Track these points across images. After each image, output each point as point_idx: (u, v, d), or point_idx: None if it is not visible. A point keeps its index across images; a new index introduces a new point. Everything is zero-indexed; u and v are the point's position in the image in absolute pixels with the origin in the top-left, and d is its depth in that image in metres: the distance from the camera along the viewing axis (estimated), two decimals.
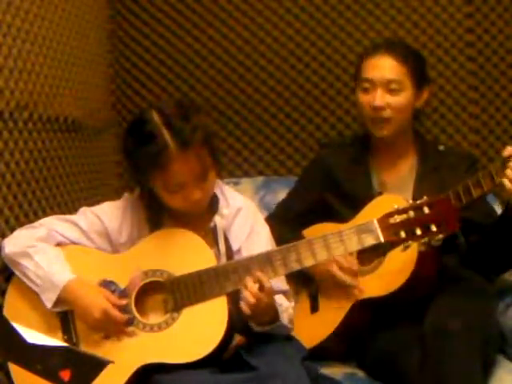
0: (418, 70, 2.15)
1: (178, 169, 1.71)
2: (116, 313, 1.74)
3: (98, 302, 1.75)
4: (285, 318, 1.81)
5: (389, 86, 2.10)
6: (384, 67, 2.11)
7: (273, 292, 1.75)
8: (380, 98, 2.09)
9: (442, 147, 2.24)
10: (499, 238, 2.01)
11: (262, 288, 1.70)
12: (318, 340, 2.07)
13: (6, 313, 1.80)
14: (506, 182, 1.81)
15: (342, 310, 2.06)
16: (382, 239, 1.72)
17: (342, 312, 2.06)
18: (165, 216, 1.86)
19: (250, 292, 1.69)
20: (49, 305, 1.77)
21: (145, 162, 1.73)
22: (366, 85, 2.13)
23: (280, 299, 1.85)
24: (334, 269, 2.05)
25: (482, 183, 1.87)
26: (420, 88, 2.15)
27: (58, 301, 1.77)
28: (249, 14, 2.84)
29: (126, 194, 1.92)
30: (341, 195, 2.23)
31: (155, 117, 1.74)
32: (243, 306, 1.70)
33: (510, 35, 2.71)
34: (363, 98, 2.15)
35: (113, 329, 1.76)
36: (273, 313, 1.77)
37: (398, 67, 2.10)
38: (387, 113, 2.11)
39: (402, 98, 2.11)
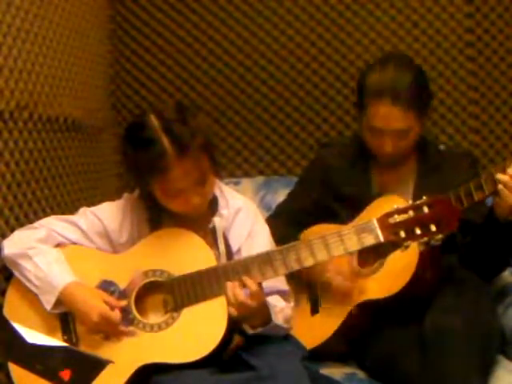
0: (424, 103, 2.07)
1: (177, 174, 1.70)
2: (114, 315, 1.74)
3: (95, 305, 1.74)
4: (279, 319, 1.79)
5: (397, 134, 2.04)
6: (391, 118, 2.02)
7: (262, 296, 1.74)
8: (389, 145, 2.05)
9: (442, 147, 2.24)
10: (486, 239, 2.01)
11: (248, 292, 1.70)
12: (317, 342, 2.06)
13: (5, 313, 1.79)
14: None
15: (342, 312, 2.06)
16: (381, 239, 1.71)
17: (342, 314, 2.05)
18: (165, 216, 1.86)
19: (233, 294, 1.70)
20: (48, 307, 1.77)
21: (143, 166, 1.72)
22: (374, 131, 2.07)
23: (274, 300, 1.84)
24: (331, 274, 2.06)
25: (483, 186, 1.87)
26: (426, 114, 2.10)
27: (57, 303, 1.77)
28: (249, 14, 2.84)
29: (125, 194, 1.92)
30: (340, 196, 2.22)
31: (154, 121, 1.72)
32: (230, 309, 1.70)
33: (509, 35, 2.71)
34: (370, 138, 2.10)
35: (112, 331, 1.76)
36: (265, 315, 1.76)
37: (406, 115, 2.01)
38: (394, 151, 2.07)
39: (410, 139, 2.07)
